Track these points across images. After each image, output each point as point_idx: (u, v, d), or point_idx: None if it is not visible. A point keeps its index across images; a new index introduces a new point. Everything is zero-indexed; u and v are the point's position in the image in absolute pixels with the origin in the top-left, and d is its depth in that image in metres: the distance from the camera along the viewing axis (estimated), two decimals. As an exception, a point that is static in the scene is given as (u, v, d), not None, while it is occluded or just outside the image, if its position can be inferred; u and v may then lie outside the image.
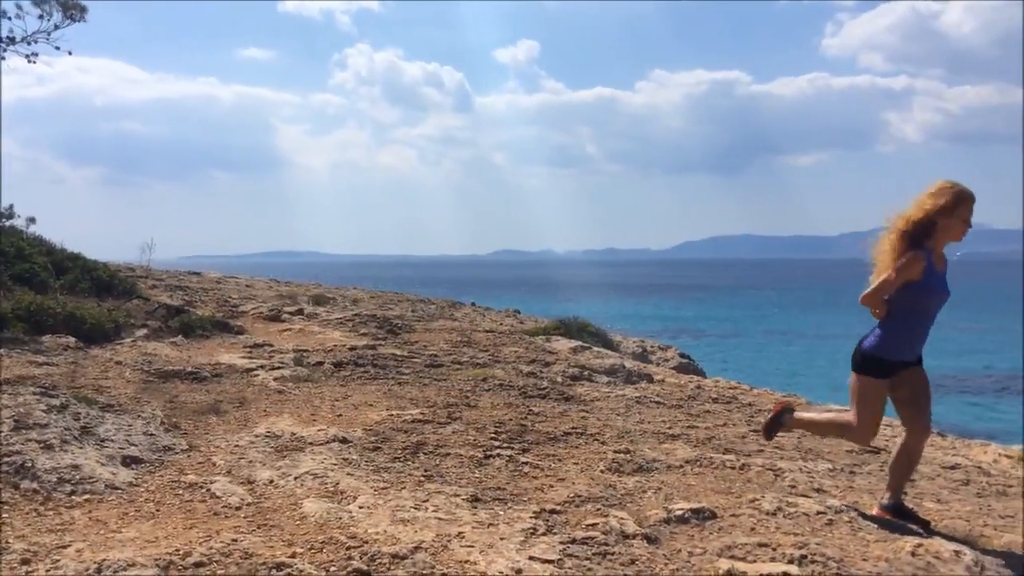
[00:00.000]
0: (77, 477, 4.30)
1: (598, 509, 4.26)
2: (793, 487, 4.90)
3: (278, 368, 7.58)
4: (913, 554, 3.80)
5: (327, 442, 5.28)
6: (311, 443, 5.26)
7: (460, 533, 3.79)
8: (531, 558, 3.54)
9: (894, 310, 4.35)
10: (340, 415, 6.09)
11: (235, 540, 3.56)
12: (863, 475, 5.39)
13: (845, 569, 3.59)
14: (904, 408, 4.44)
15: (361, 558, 3.43)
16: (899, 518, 4.35)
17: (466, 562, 3.47)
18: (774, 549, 3.76)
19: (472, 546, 3.64)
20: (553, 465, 5.11)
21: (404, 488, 4.47)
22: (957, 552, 3.83)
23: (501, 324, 12.50)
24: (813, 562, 3.63)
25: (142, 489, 4.32)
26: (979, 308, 60.45)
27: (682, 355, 13.20)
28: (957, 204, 4.24)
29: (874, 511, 4.47)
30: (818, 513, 4.34)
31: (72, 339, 7.76)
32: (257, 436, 5.40)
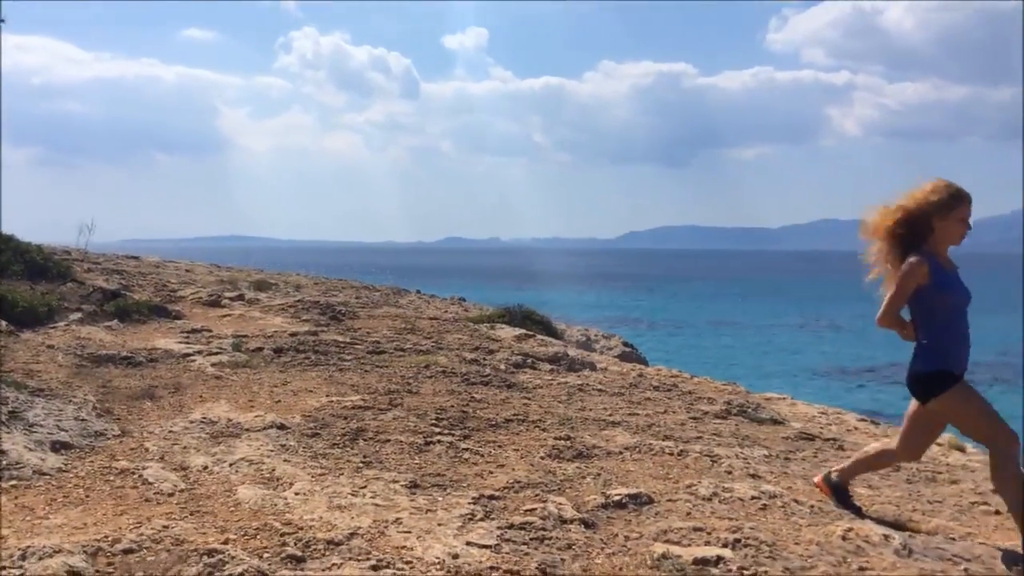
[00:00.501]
0: (3, 463, 4.18)
1: (537, 495, 4.27)
2: (729, 473, 4.98)
3: (216, 353, 7.45)
4: (844, 538, 3.89)
5: (264, 428, 5.21)
6: (248, 429, 5.18)
7: (397, 519, 3.78)
8: (468, 543, 3.53)
9: (921, 324, 4.06)
10: (279, 401, 6.01)
11: (166, 527, 3.49)
12: (797, 461, 5.49)
13: (777, 552, 3.65)
14: (912, 426, 4.23)
15: (296, 544, 3.39)
16: (837, 499, 4.46)
17: (402, 548, 3.45)
18: (709, 533, 3.82)
19: (409, 532, 3.63)
20: (493, 451, 5.11)
21: (342, 474, 4.43)
22: (886, 536, 3.93)
23: (446, 311, 12.46)
24: (747, 546, 3.69)
25: (71, 475, 4.22)
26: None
27: (625, 344, 13.29)
28: (954, 203, 3.99)
29: (816, 479, 4.61)
30: (753, 498, 4.42)
31: (3, 323, 7.53)
32: (192, 422, 5.30)
